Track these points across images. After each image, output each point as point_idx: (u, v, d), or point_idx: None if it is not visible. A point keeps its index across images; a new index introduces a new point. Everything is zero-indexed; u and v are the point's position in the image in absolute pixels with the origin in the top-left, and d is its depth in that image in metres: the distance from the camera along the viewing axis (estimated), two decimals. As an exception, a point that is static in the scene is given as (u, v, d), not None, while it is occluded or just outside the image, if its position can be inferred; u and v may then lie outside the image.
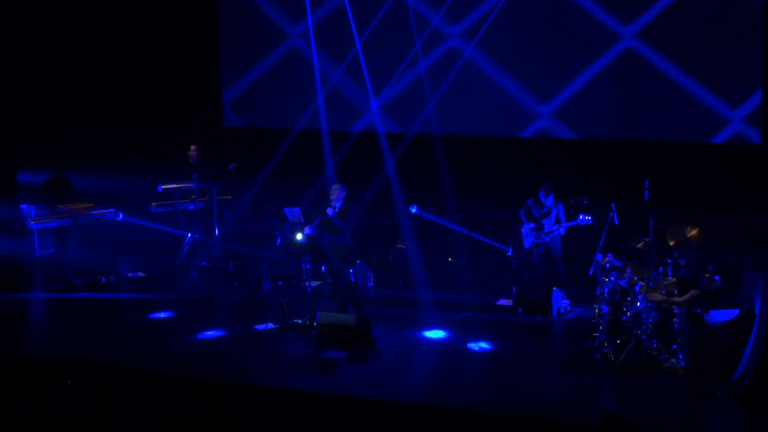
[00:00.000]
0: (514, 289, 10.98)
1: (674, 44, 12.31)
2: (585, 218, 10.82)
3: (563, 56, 12.94)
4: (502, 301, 11.25)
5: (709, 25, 12.01)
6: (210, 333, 10.14)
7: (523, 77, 13.23)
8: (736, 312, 9.20)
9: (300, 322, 10.23)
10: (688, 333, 8.73)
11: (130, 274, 12.79)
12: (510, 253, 12.79)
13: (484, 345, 9.60)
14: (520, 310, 10.78)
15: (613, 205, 10.20)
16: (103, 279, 12.36)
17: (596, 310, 9.33)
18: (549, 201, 11.16)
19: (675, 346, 8.79)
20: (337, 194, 10.44)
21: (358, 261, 12.04)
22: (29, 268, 12.91)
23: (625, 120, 12.76)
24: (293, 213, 11.20)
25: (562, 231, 11.15)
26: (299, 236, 10.76)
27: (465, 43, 13.42)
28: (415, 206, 12.96)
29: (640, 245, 9.77)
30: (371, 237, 12.98)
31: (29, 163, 13.99)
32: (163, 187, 13.77)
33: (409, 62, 13.75)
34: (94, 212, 12.92)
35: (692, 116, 12.29)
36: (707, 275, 9.92)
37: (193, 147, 13.93)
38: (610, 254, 9.68)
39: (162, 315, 10.89)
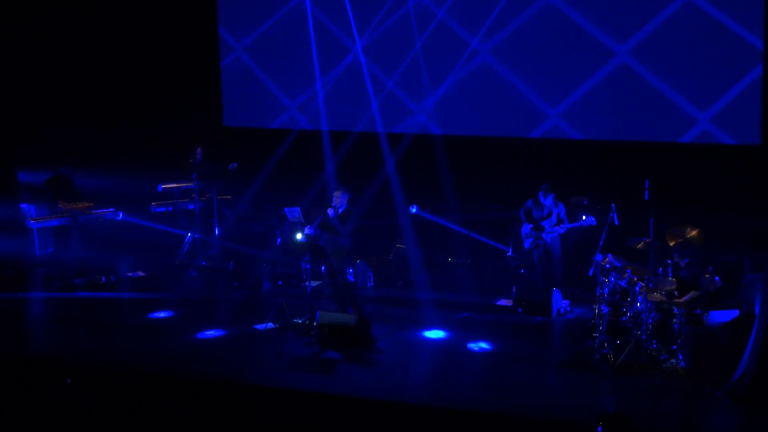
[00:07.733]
0: (514, 289, 10.97)
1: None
2: (588, 219, 10.82)
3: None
4: (502, 301, 11.25)
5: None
6: (210, 333, 10.14)
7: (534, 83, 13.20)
8: (736, 313, 9.20)
9: (300, 321, 10.23)
10: (688, 333, 8.73)
11: (130, 274, 12.78)
12: (510, 253, 12.78)
13: (484, 345, 9.60)
14: (520, 310, 10.78)
15: (613, 205, 10.20)
16: (103, 279, 12.36)
17: (596, 311, 9.33)
18: (548, 201, 11.16)
19: (675, 347, 8.79)
20: (340, 200, 10.42)
21: (358, 261, 12.04)
22: (29, 267, 12.92)
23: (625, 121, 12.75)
24: (293, 213, 11.20)
25: (562, 230, 11.14)
26: (299, 236, 10.76)
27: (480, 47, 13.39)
28: (415, 206, 12.95)
29: (640, 246, 9.77)
30: (371, 237, 12.97)
31: (29, 162, 14.00)
32: (163, 186, 13.76)
33: (410, 61, 13.74)
34: (94, 212, 12.93)
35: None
36: (707, 276, 9.91)
37: (198, 148, 13.89)
38: (610, 254, 9.68)
39: (162, 315, 10.89)
